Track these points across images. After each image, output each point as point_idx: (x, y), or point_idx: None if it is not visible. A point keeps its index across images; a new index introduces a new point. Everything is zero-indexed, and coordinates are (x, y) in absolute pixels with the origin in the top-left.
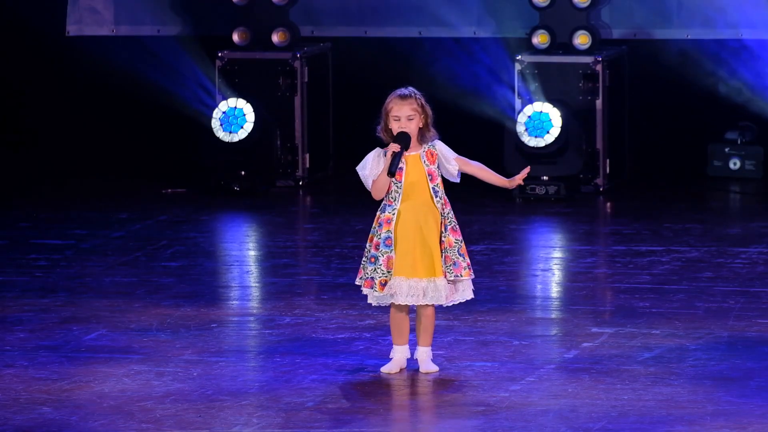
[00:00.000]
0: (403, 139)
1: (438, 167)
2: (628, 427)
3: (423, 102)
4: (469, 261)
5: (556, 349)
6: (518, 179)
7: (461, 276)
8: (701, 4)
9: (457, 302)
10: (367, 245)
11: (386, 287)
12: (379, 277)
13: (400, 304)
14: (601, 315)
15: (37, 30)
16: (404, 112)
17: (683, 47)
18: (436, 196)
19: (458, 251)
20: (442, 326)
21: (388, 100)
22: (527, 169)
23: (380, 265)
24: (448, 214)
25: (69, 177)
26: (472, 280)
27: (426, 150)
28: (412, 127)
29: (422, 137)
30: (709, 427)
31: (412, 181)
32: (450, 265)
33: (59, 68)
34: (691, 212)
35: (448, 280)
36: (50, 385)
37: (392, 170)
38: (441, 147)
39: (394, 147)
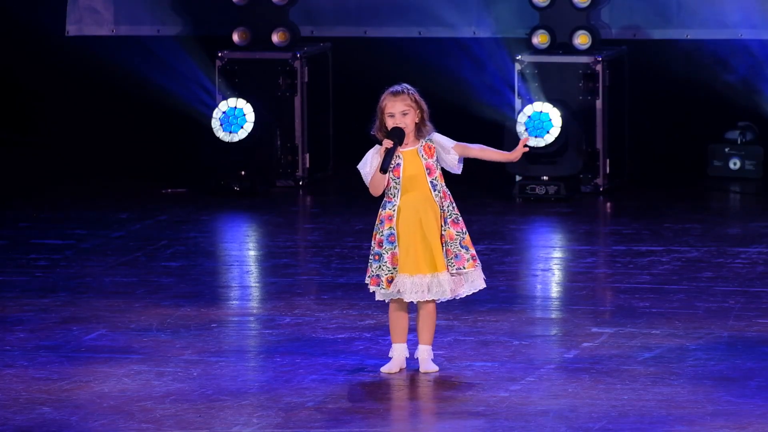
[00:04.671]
0: (397, 134)
1: (437, 160)
2: (628, 427)
3: (417, 97)
4: (473, 252)
5: (556, 349)
6: (519, 151)
7: (464, 268)
8: (701, 4)
9: (470, 293)
10: (372, 243)
11: (392, 284)
12: (386, 275)
13: (398, 302)
14: (601, 315)
15: (37, 30)
16: (398, 108)
17: (683, 47)
18: (435, 190)
19: (460, 243)
20: (442, 326)
21: (381, 98)
22: (526, 139)
23: (385, 262)
24: (448, 207)
25: (69, 177)
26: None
27: (423, 144)
28: (407, 122)
29: (419, 132)
30: (709, 427)
31: (411, 175)
32: (452, 258)
33: (59, 68)
34: (691, 212)
35: (451, 274)
36: (50, 385)
37: (385, 167)
38: (438, 138)
39: (387, 143)
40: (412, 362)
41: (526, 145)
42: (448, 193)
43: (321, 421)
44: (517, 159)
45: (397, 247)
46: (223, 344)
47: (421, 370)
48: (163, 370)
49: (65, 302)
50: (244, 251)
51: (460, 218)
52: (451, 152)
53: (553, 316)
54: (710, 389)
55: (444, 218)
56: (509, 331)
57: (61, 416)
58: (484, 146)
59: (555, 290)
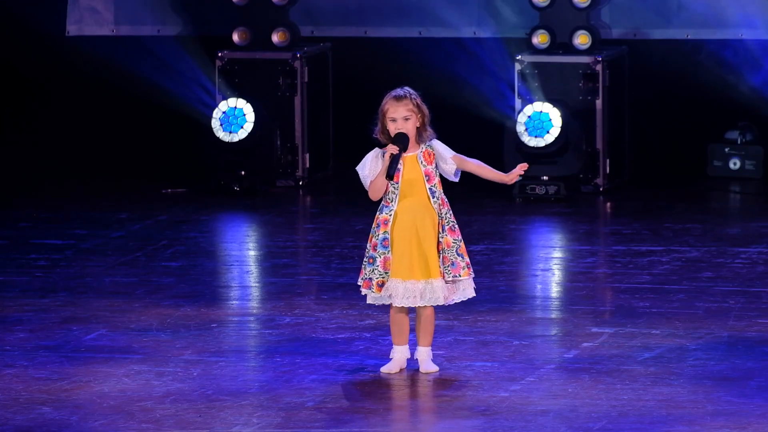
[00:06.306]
0: (402, 141)
1: (435, 167)
2: (628, 427)
3: (419, 102)
4: (468, 260)
5: (556, 349)
6: (516, 174)
7: (459, 276)
8: (701, 4)
9: (459, 301)
10: (367, 246)
11: (383, 288)
12: (377, 278)
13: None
14: (601, 315)
15: (37, 30)
16: (400, 113)
17: (683, 47)
18: (433, 197)
19: (456, 251)
20: (442, 326)
21: (383, 101)
22: (525, 165)
23: (377, 266)
24: (446, 214)
25: (69, 177)
26: (473, 279)
27: (423, 150)
28: (408, 128)
29: (419, 137)
30: (709, 427)
31: (409, 181)
32: (448, 266)
33: (59, 68)
34: (691, 212)
35: (446, 281)
36: (50, 385)
37: (390, 173)
38: (438, 146)
39: (393, 149)
40: (412, 362)
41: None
42: (446, 200)
43: (321, 421)
44: (512, 182)
45: (389, 252)
46: (223, 344)
47: (421, 370)
48: (163, 370)
49: (65, 302)
50: (244, 251)
51: (456, 226)
52: (449, 162)
53: (553, 316)
54: (710, 389)
55: (442, 225)
56: (509, 331)
57: (61, 416)
58: (482, 163)
59: (555, 290)
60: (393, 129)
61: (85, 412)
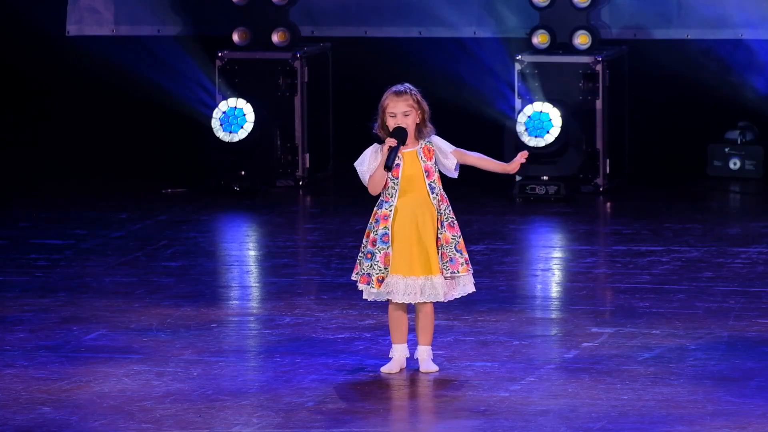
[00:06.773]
0: (400, 134)
1: (435, 163)
2: (628, 427)
3: (419, 98)
4: (467, 257)
5: (556, 349)
6: (517, 162)
7: (458, 272)
8: (701, 4)
9: (459, 296)
10: (364, 241)
11: (383, 284)
12: (376, 274)
13: (397, 303)
14: (601, 315)
15: (37, 30)
16: (400, 109)
17: (683, 47)
18: (433, 193)
19: (455, 247)
20: (442, 326)
21: (383, 96)
22: (525, 153)
23: (377, 261)
24: (445, 210)
25: (69, 177)
26: (473, 274)
27: (423, 146)
28: (408, 123)
29: (419, 133)
30: (709, 427)
31: (409, 177)
32: (446, 262)
33: (59, 68)
34: (691, 212)
35: (445, 277)
36: (50, 385)
37: (389, 164)
38: (438, 141)
39: (391, 141)
40: (412, 362)
41: (527, 151)
42: (446, 196)
43: (321, 421)
44: (515, 171)
45: (390, 248)
46: (223, 344)
47: (421, 369)
48: (163, 370)
49: (65, 302)
50: (244, 251)
51: (456, 222)
52: (449, 157)
53: (553, 316)
54: (710, 389)
55: (441, 221)
56: (509, 331)
57: (61, 416)
58: (483, 155)
59: (555, 290)
60: (392, 124)
61: (85, 412)
